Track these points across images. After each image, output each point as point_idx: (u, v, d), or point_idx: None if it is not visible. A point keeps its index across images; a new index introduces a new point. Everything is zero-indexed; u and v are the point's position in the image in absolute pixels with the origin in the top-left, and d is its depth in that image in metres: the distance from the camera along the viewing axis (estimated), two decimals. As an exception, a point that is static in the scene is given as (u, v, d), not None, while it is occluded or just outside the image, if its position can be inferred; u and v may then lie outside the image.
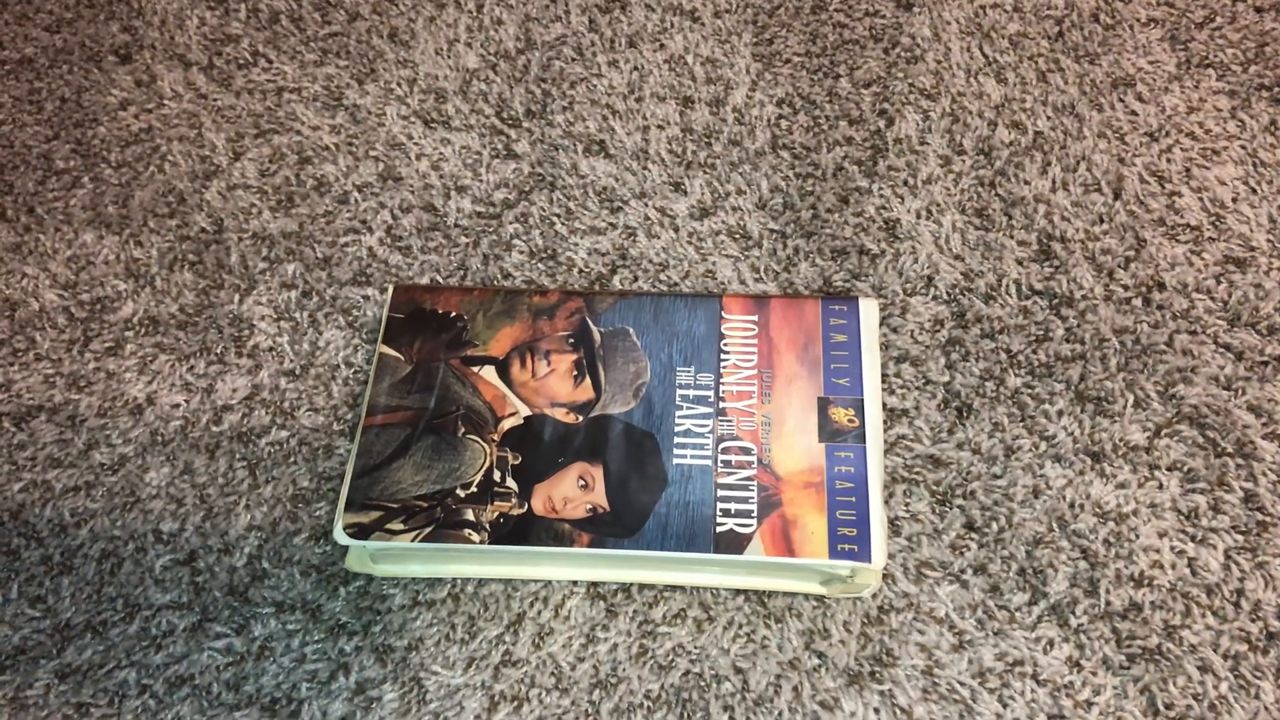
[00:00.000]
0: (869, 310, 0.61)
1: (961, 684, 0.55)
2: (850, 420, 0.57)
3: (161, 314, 0.67)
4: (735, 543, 0.54)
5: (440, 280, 0.67)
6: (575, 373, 0.59)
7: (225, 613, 0.58)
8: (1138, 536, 0.58)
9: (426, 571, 0.58)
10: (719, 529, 0.54)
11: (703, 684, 0.55)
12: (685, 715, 0.55)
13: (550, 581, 0.58)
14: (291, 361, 0.65)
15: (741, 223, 0.69)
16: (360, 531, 0.54)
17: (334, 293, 0.67)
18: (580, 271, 0.68)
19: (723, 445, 0.57)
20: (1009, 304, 0.65)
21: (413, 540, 0.54)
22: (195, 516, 0.61)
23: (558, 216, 0.70)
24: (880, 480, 0.55)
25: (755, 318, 0.61)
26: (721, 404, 0.58)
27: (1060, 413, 0.62)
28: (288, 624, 0.57)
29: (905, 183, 0.70)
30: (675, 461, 0.56)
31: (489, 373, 0.59)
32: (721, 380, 0.59)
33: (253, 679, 0.56)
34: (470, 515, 0.55)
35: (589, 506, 0.55)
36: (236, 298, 0.68)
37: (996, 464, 0.60)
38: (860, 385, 0.59)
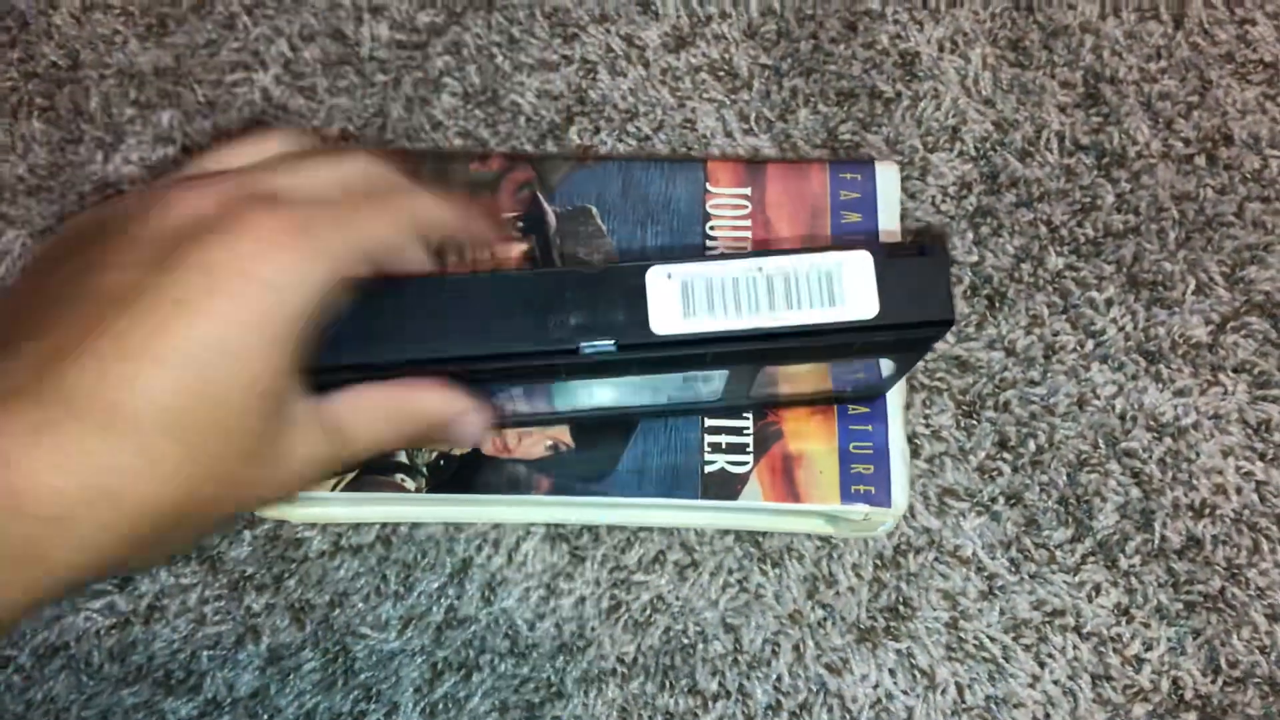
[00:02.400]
0: (888, 177, 0.50)
1: (991, 639, 0.46)
2: None
3: (6, 176, 0.54)
4: (727, 486, 0.44)
5: (354, 130, 0.54)
6: (526, 268, 0.47)
7: (103, 564, 0.47)
8: (1198, 455, 0.49)
9: (351, 516, 0.47)
10: (707, 469, 0.44)
11: (687, 644, 0.46)
12: (667, 684, 0.46)
13: (501, 524, 0.48)
14: (172, 239, 0.52)
15: (726, 55, 0.56)
16: None
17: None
18: (528, 121, 0.55)
19: None
20: (1049, 163, 0.54)
21: (331, 490, 0.43)
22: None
23: (498, 46, 0.56)
24: (902, 404, 0.45)
25: (748, 190, 0.49)
26: None
27: (1109, 302, 0.51)
28: (181, 577, 0.47)
29: (925, 4, 0.57)
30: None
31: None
32: None
33: (142, 646, 0.46)
34: (402, 457, 0.44)
35: (548, 444, 0.44)
36: (100, 155, 0.54)
37: (1034, 367, 0.50)
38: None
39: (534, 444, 0.44)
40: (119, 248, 0.28)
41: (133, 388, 0.26)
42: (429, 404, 0.34)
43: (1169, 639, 0.46)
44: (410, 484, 0.44)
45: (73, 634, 0.46)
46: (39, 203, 0.53)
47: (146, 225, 0.29)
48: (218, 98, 0.55)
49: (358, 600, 0.47)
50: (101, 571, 0.27)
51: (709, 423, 0.45)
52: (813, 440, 0.45)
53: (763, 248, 0.48)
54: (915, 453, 0.49)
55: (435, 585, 0.47)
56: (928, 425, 0.49)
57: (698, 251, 0.48)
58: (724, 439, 0.45)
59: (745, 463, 0.44)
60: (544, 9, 0.57)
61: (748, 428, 0.45)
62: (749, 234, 0.48)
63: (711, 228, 0.48)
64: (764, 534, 0.48)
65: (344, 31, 0.56)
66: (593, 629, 0.46)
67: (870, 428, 0.45)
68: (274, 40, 0.56)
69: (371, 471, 0.44)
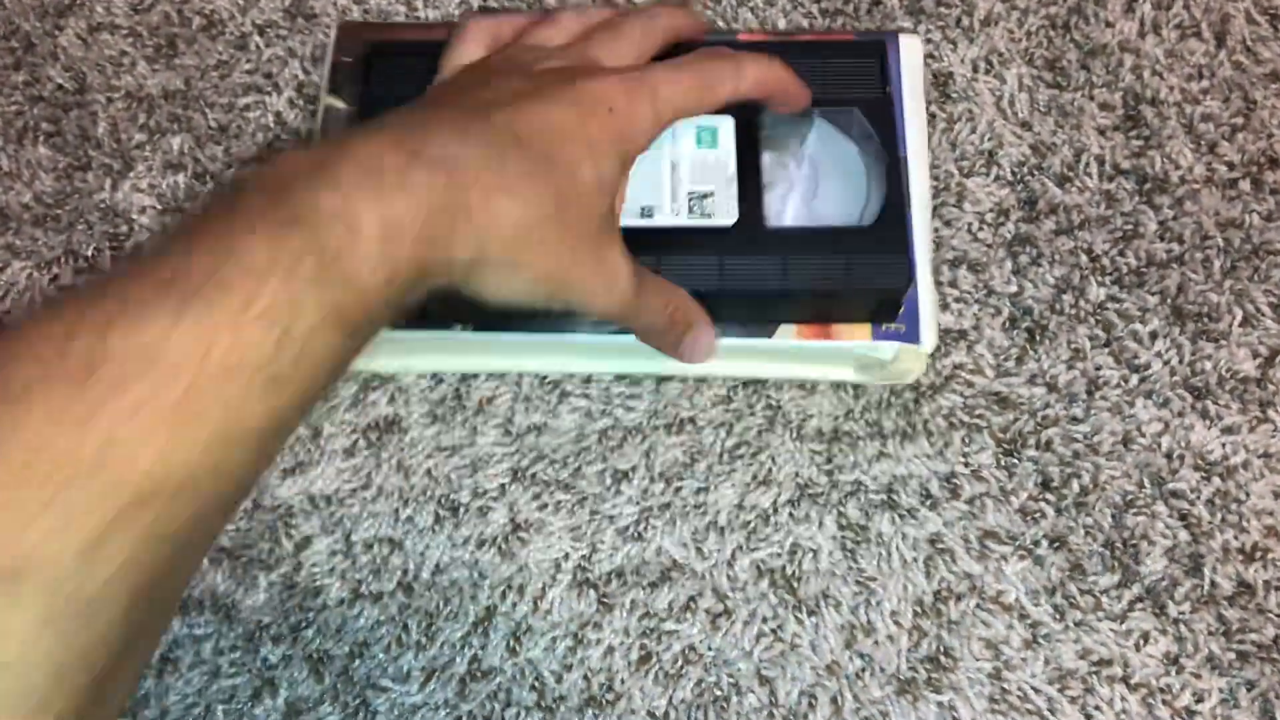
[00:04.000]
0: (911, 48, 0.48)
1: (1036, 690, 0.45)
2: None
3: (11, 205, 0.52)
4: (764, 324, 0.45)
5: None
6: None
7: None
8: (1248, 496, 0.47)
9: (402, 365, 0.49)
10: None
11: (720, 696, 0.45)
12: (700, 739, 0.44)
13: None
14: (182, 271, 0.51)
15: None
16: None
17: (234, 175, 0.52)
18: None
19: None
20: (1089, 188, 0.52)
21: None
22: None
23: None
24: (929, 251, 0.45)
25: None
26: None
27: (1154, 334, 0.50)
28: (195, 627, 0.45)
29: (959, 23, 0.55)
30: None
31: None
32: None
33: (154, 700, 0.44)
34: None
35: None
36: (109, 182, 0.52)
37: (1077, 403, 0.49)
38: (903, 144, 0.46)
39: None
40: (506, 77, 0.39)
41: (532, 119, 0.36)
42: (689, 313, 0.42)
43: (1221, 690, 0.45)
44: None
45: (82, 687, 0.45)
46: (45, 232, 0.51)
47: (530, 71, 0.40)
48: (229, 122, 0.53)
49: (378, 651, 0.45)
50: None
51: None
52: None
53: None
54: (954, 493, 0.47)
55: (459, 634, 0.45)
56: (967, 464, 0.48)
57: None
58: None
59: None
60: None
61: None
62: None
63: None
64: (796, 578, 0.46)
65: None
66: (622, 681, 0.45)
67: None
68: (287, 62, 0.54)
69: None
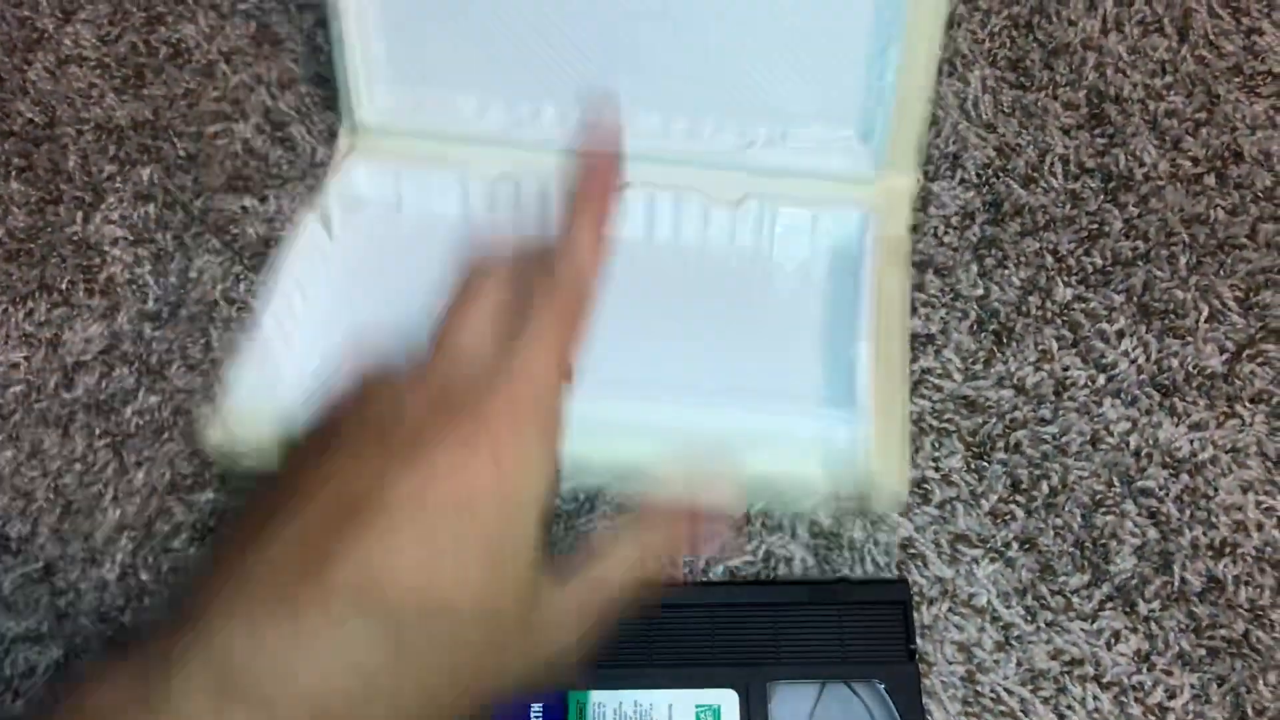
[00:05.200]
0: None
1: (1009, 691, 0.45)
2: None
3: (-17, 239, 0.53)
4: None
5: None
6: None
7: (98, 644, 0.46)
8: (1216, 491, 0.48)
9: None
10: None
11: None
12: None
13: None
14: (157, 301, 0.51)
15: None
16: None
17: (204, 204, 0.53)
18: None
19: None
20: (1054, 188, 0.52)
21: None
22: (50, 515, 0.48)
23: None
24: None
25: None
26: None
27: (1120, 333, 0.50)
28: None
29: (921, 27, 0.55)
30: None
31: None
32: None
33: None
34: None
35: None
36: (80, 215, 0.53)
37: (1045, 405, 0.49)
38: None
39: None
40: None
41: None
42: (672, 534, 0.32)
43: (1192, 686, 0.45)
44: None
45: None
46: (19, 267, 0.52)
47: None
48: (198, 151, 0.53)
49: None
50: None
51: None
52: None
53: None
54: (925, 498, 0.48)
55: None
56: (937, 469, 0.48)
57: None
58: None
59: None
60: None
61: None
62: None
63: None
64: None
65: (324, 76, 0.55)
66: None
67: None
68: (254, 89, 0.54)
69: None
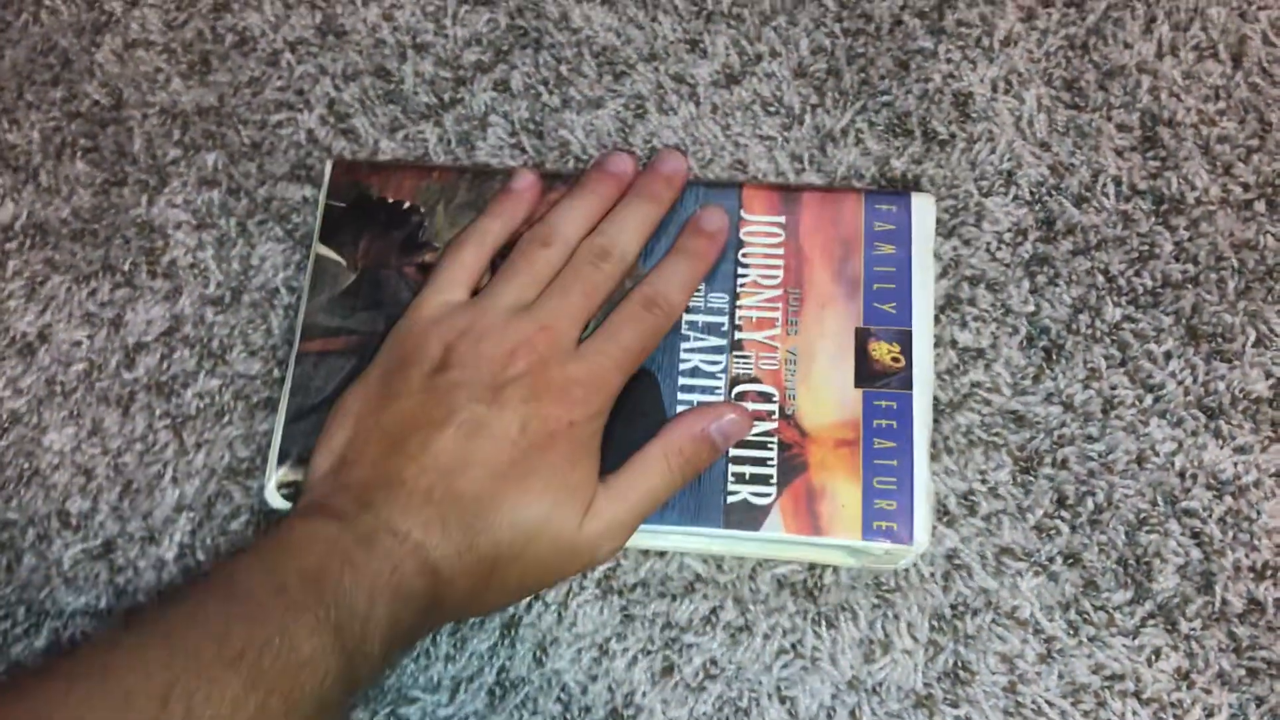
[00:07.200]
0: (923, 209, 0.49)
1: (1050, 704, 0.46)
2: (894, 359, 0.47)
3: (50, 220, 0.53)
4: (750, 517, 0.45)
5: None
6: None
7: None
8: (1259, 515, 0.48)
9: None
10: (730, 499, 0.45)
11: (740, 710, 0.46)
12: (722, 749, 0.45)
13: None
14: (219, 286, 0.52)
15: (778, 94, 0.55)
16: (298, 493, 0.43)
17: (267, 192, 0.53)
18: (576, 159, 0.54)
19: (738, 389, 0.47)
20: (1106, 208, 0.53)
21: None
22: (110, 493, 0.49)
23: (545, 84, 0.55)
24: (927, 440, 0.45)
25: (782, 219, 0.49)
26: (737, 334, 0.47)
27: (1168, 354, 0.51)
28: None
29: (979, 42, 0.56)
30: (679, 408, 0.46)
31: None
32: (738, 303, 0.48)
33: (191, 707, 0.46)
34: None
35: None
36: (144, 198, 0.53)
37: (1092, 422, 0.50)
38: (909, 312, 0.47)
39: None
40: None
41: None
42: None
43: (1231, 706, 0.46)
44: None
45: None
46: (83, 247, 0.53)
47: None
48: (263, 139, 0.54)
49: (409, 661, 0.46)
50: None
51: (733, 451, 0.45)
52: (837, 473, 0.45)
53: (794, 281, 0.48)
54: (972, 510, 0.48)
55: (486, 645, 0.46)
56: (984, 481, 0.49)
57: (729, 279, 0.48)
58: (748, 469, 0.45)
59: (769, 494, 0.45)
60: (592, 48, 0.56)
61: (772, 459, 0.45)
62: (781, 262, 0.48)
63: (744, 255, 0.48)
64: (818, 589, 0.47)
65: (388, 69, 0.55)
66: (644, 694, 0.46)
67: (895, 462, 0.45)
68: (318, 79, 0.55)
69: None
